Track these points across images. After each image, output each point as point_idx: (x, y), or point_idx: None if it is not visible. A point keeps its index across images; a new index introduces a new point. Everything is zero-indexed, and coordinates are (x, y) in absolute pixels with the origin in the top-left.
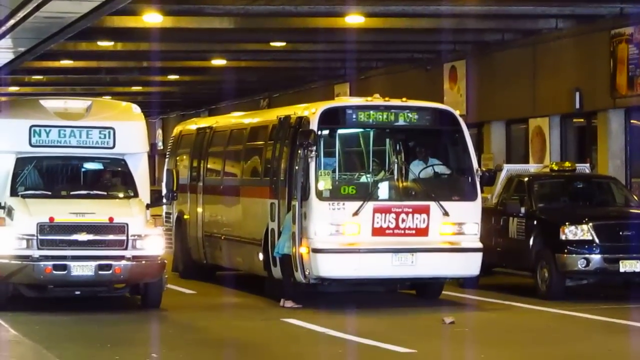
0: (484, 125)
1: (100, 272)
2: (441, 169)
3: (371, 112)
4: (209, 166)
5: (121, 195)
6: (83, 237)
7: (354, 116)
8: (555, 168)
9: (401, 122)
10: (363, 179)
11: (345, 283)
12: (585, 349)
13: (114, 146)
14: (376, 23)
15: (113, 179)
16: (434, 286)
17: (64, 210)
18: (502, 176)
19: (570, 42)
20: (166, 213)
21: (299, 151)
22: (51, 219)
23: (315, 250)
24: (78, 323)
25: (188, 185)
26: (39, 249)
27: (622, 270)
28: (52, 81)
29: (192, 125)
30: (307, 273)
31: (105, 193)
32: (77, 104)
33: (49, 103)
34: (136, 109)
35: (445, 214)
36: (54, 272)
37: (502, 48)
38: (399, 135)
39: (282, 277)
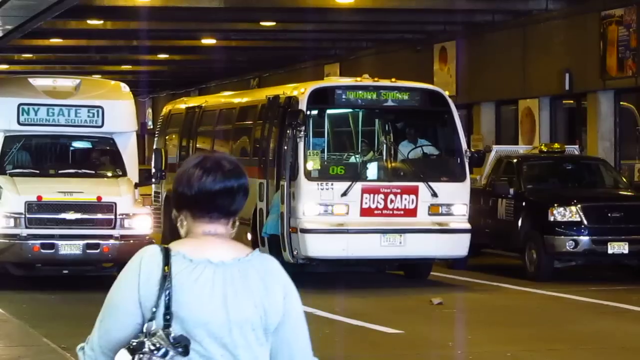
0: (474, 106)
1: (88, 251)
2: (430, 149)
3: (360, 92)
4: (198, 145)
5: (109, 174)
6: (71, 215)
7: (343, 96)
8: (545, 149)
9: (390, 102)
10: (352, 159)
11: (334, 263)
12: (573, 330)
13: (102, 125)
14: (366, 3)
15: (101, 157)
16: (422, 267)
17: (52, 189)
18: (491, 157)
19: (560, 24)
20: (155, 192)
21: (288, 131)
22: (39, 197)
23: (304, 231)
24: (65, 302)
25: (177, 164)
26: (27, 227)
27: (610, 251)
28: (42, 59)
29: (182, 104)
30: (295, 253)
31: (93, 172)
32: (66, 82)
33: (37, 81)
34: (125, 87)
35: (434, 194)
36: (42, 250)
37: (492, 29)
38: (388, 115)
39: None
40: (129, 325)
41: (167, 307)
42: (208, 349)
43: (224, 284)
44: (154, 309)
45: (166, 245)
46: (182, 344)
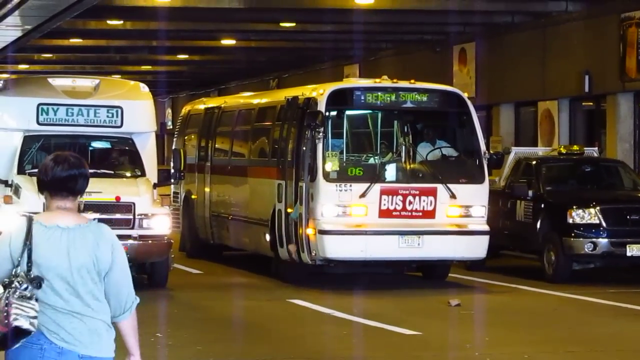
0: (493, 108)
1: None
2: (449, 151)
3: (379, 93)
4: (216, 146)
5: (128, 174)
6: (89, 215)
7: (362, 97)
8: (564, 151)
9: (409, 103)
10: (370, 160)
11: (352, 264)
12: (591, 333)
13: (121, 125)
14: (385, 4)
15: (120, 158)
16: (440, 268)
17: None
18: (510, 159)
19: (580, 25)
20: (174, 193)
21: (307, 132)
22: None
23: (322, 232)
24: None
25: (196, 165)
26: None
27: (629, 254)
28: (62, 59)
29: (201, 105)
30: (313, 254)
31: (112, 172)
32: (85, 82)
33: (57, 81)
34: (144, 88)
35: (453, 196)
36: None
37: (511, 30)
38: (406, 117)
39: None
40: (5, 270)
41: (29, 257)
42: (56, 285)
43: (67, 242)
44: (19, 259)
45: (30, 216)
46: (37, 281)
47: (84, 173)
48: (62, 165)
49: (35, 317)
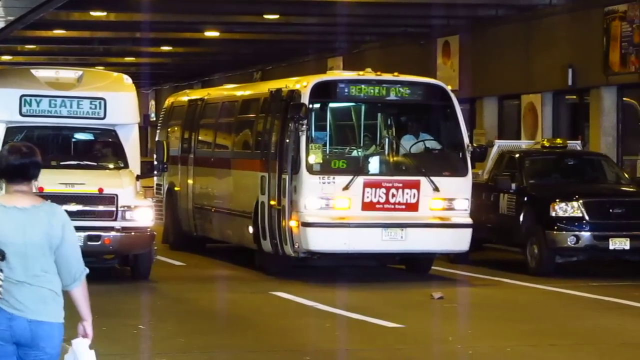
0: (477, 101)
1: (89, 243)
2: (432, 144)
3: (363, 86)
4: (200, 138)
5: (111, 166)
6: (72, 207)
7: (346, 90)
8: (547, 145)
9: (393, 96)
10: (354, 153)
11: (335, 257)
12: (574, 326)
13: (104, 117)
14: None
15: (103, 149)
16: (423, 261)
17: (54, 180)
18: (494, 152)
19: (564, 19)
20: (157, 184)
21: (290, 124)
22: (40, 189)
23: (305, 224)
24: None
25: (179, 157)
26: None
27: (611, 247)
28: (45, 51)
29: (184, 97)
30: (296, 247)
31: (95, 164)
32: (69, 74)
33: (40, 73)
34: (127, 79)
35: (436, 189)
36: None
37: (495, 23)
38: (390, 109)
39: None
40: None
41: None
42: (11, 259)
43: (23, 220)
44: None
45: None
46: (1, 255)
47: (34, 161)
48: (14, 155)
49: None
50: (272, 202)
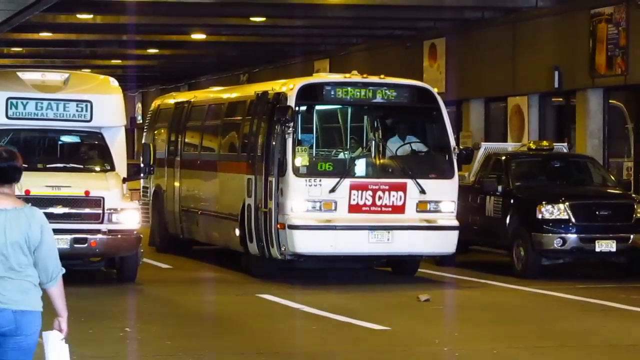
0: (463, 103)
1: (75, 246)
2: (418, 146)
3: (349, 88)
4: (186, 140)
5: (98, 168)
6: (59, 210)
7: (332, 92)
8: (533, 147)
9: (379, 99)
10: (340, 155)
11: (321, 259)
12: (560, 328)
13: (91, 119)
14: None
15: (90, 152)
16: (410, 263)
17: (40, 183)
18: (480, 154)
19: (550, 21)
20: (143, 187)
21: (276, 127)
22: (27, 191)
23: (292, 227)
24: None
25: (166, 159)
26: None
27: (598, 249)
28: (31, 53)
29: (171, 99)
30: (283, 249)
31: (81, 166)
32: (55, 76)
33: (26, 75)
34: (114, 82)
35: (422, 191)
36: None
37: (481, 26)
38: (376, 112)
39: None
40: None
41: None
42: None
43: (4, 221)
44: None
45: None
46: None
47: (13, 165)
48: None
49: None
50: (259, 205)
